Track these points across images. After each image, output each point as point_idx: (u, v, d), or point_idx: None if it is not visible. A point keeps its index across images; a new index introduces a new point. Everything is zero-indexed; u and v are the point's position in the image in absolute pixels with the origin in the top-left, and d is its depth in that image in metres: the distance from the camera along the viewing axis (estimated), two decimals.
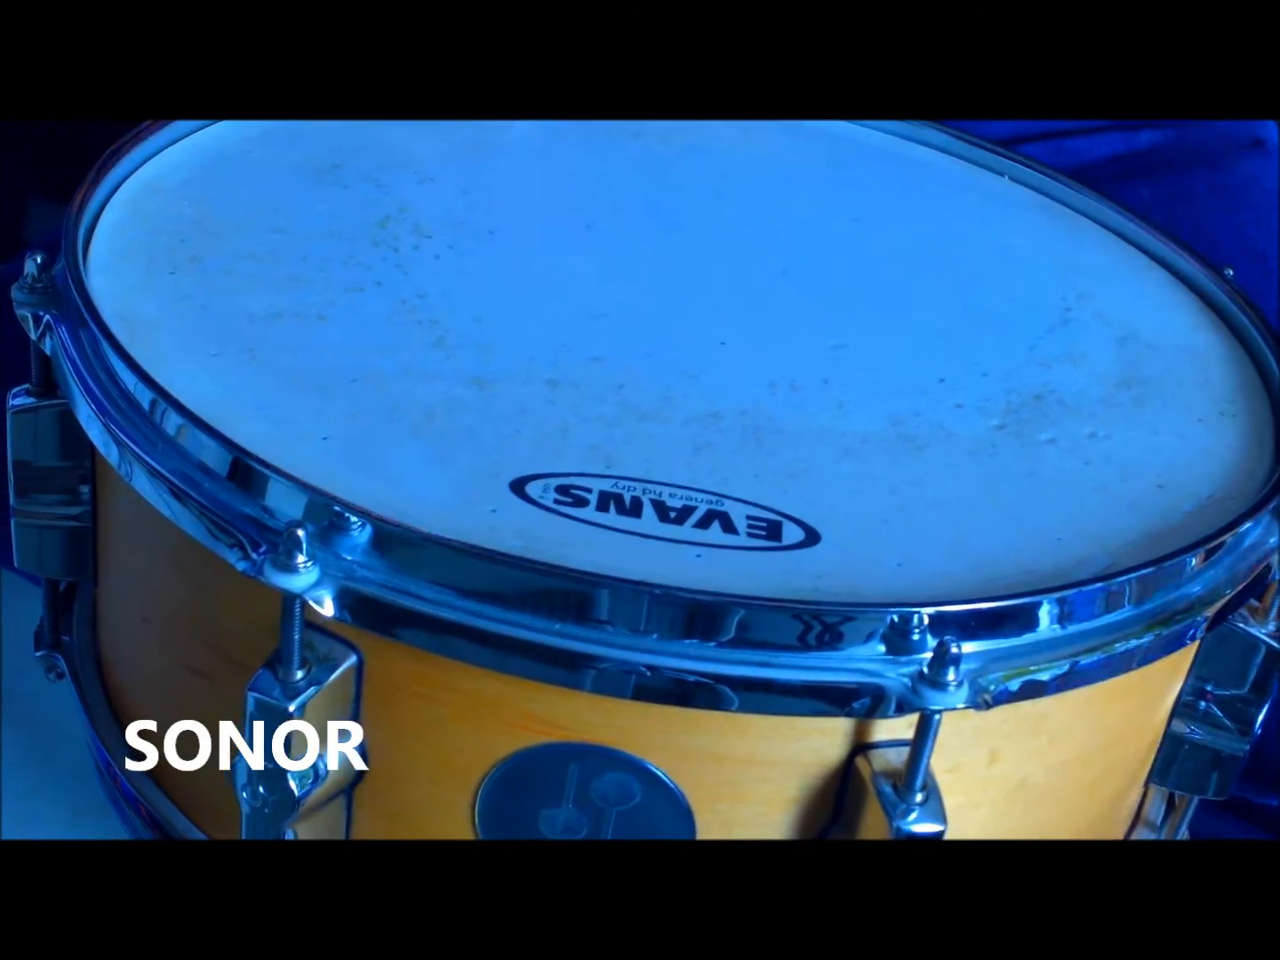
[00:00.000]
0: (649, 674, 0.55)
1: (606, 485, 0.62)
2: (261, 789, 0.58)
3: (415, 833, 0.61)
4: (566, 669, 0.55)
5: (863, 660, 0.56)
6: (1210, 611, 0.62)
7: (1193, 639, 0.62)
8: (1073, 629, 0.58)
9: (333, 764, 0.59)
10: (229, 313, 0.69)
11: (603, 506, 0.61)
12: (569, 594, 0.55)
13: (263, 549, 0.56)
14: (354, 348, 0.68)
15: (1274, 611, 0.66)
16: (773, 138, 0.91)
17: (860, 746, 0.57)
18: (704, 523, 0.61)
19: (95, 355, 0.64)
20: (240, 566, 0.57)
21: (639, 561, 0.58)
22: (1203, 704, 0.66)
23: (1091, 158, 1.02)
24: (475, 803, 0.59)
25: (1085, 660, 0.58)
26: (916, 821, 0.55)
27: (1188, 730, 0.67)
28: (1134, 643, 0.59)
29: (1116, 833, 0.71)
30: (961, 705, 0.54)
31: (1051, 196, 0.89)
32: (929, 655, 0.55)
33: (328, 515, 0.56)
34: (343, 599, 0.56)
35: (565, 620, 0.55)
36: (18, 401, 0.68)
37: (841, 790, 0.58)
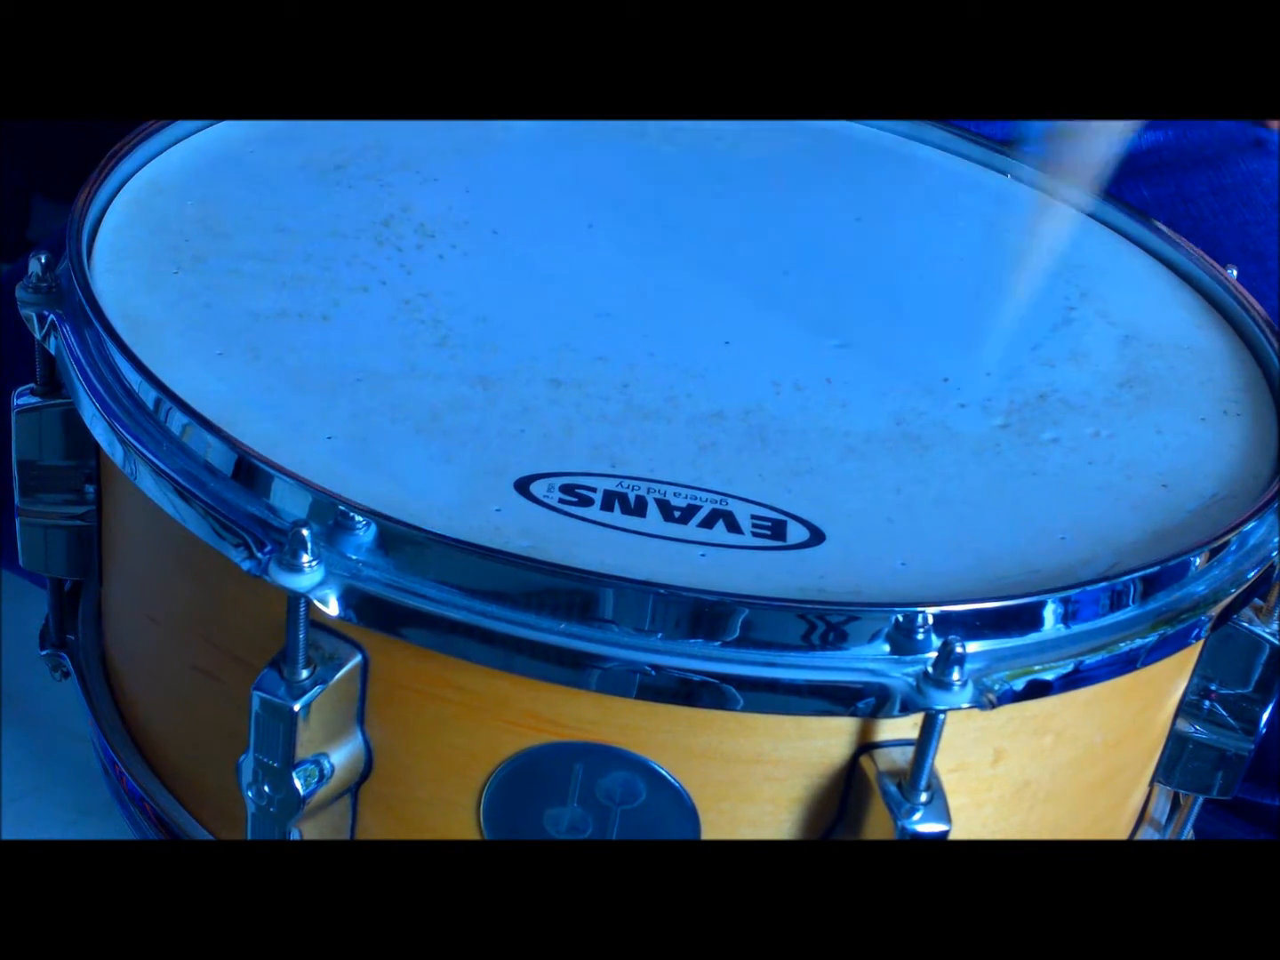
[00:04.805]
0: (654, 673, 0.55)
1: (611, 484, 0.62)
2: (267, 788, 0.58)
3: (420, 832, 0.61)
4: (571, 668, 0.55)
5: (867, 660, 0.56)
6: (1214, 611, 0.62)
7: (1197, 638, 0.62)
8: (1077, 628, 0.58)
9: (337, 763, 0.59)
10: (233, 312, 0.69)
11: (607, 506, 0.61)
12: (574, 593, 0.55)
13: (268, 548, 0.56)
14: (358, 347, 0.68)
15: (1278, 611, 0.66)
16: (775, 137, 0.91)
17: (865, 746, 0.57)
18: (708, 522, 0.61)
19: (99, 355, 0.64)
20: (245, 566, 0.57)
21: (644, 561, 0.58)
22: (1207, 703, 0.66)
23: None
24: (480, 802, 0.59)
25: (1089, 660, 0.58)
26: (921, 821, 0.55)
27: (1192, 730, 0.67)
28: (1138, 642, 0.59)
29: (1121, 832, 0.71)
30: (966, 705, 0.54)
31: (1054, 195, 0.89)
32: (933, 655, 0.55)
33: (333, 514, 0.56)
34: (348, 598, 0.56)
35: (570, 619, 0.55)
36: (22, 401, 0.68)
37: (846, 790, 0.58)
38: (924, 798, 0.56)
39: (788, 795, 0.58)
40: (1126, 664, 0.59)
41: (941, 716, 0.54)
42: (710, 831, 0.59)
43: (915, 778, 0.56)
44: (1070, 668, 0.58)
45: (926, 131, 0.93)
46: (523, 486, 0.61)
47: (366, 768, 0.60)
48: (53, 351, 0.67)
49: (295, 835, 0.59)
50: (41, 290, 0.67)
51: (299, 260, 0.73)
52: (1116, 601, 0.59)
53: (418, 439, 0.63)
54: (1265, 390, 0.75)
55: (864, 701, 0.55)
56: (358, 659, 0.58)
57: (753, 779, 0.58)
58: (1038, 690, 0.57)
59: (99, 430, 0.63)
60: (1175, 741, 0.67)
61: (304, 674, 0.57)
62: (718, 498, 0.62)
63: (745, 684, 0.55)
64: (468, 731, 0.58)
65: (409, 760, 0.60)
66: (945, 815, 0.56)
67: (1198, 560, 0.61)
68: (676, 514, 0.61)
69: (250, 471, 0.59)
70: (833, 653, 0.55)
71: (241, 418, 0.62)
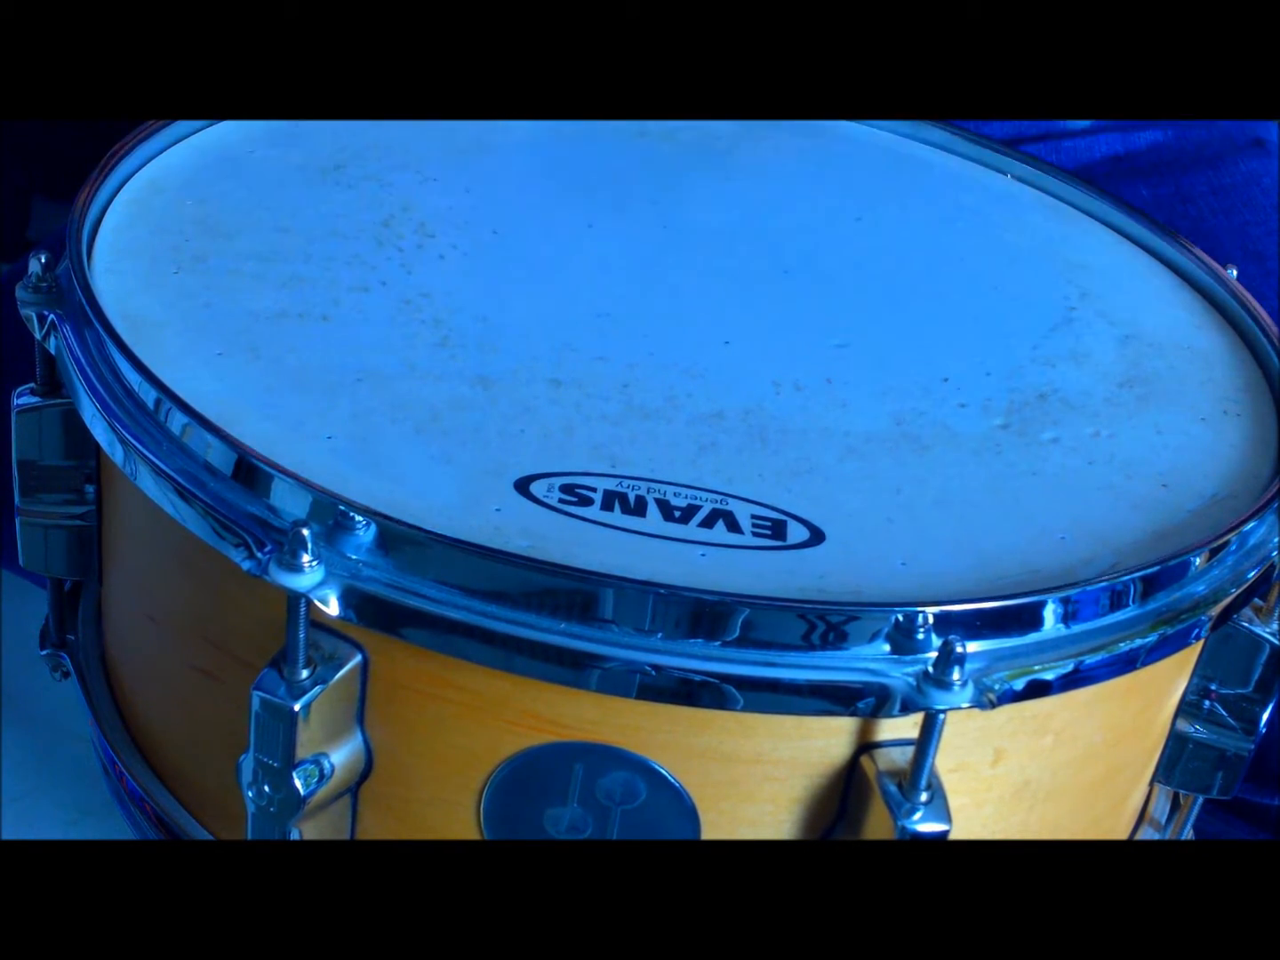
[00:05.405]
0: (654, 673, 0.55)
1: (611, 484, 0.62)
2: (267, 788, 0.58)
3: (420, 832, 0.61)
4: (571, 668, 0.55)
5: (868, 660, 0.56)
6: (1214, 611, 0.62)
7: (1197, 638, 0.62)
8: (1077, 628, 0.58)
9: (337, 763, 0.59)
10: (233, 312, 0.69)
11: (607, 506, 0.61)
12: (574, 593, 0.55)
13: (268, 548, 0.56)
14: (358, 347, 0.68)
15: (1278, 611, 0.66)
16: (775, 137, 0.91)
17: (865, 746, 0.57)
18: (708, 522, 0.61)
19: (99, 355, 0.64)
20: (245, 566, 0.57)
21: (644, 561, 0.58)
22: (1207, 703, 0.66)
23: (1091, 158, 1.02)
24: (480, 802, 0.59)
25: (1090, 660, 0.58)
26: (921, 821, 0.55)
27: (1192, 729, 0.67)
28: (1138, 642, 0.59)
29: (1121, 832, 0.71)
30: (966, 705, 0.54)
31: (1054, 195, 0.89)
32: (934, 655, 0.55)
33: (333, 514, 0.56)
34: (348, 598, 0.56)
35: (570, 619, 0.55)
36: (22, 401, 0.68)
37: (846, 790, 0.58)
38: (924, 797, 0.56)
39: (788, 795, 0.58)
40: (1126, 664, 0.59)
41: (942, 716, 0.54)
42: (710, 831, 0.59)
43: (915, 777, 0.56)
44: (1070, 668, 0.58)
45: (926, 131, 0.93)
46: (523, 486, 0.61)
47: (366, 768, 0.60)
48: (53, 351, 0.67)
49: (295, 835, 0.59)
50: (41, 290, 0.67)
51: (299, 260, 0.73)
52: (1116, 601, 0.59)
53: (418, 439, 0.63)
54: (1265, 390, 0.75)
55: (864, 701, 0.55)
56: (358, 659, 0.58)
57: (753, 779, 0.58)
58: (1038, 690, 0.57)
59: (99, 430, 0.63)
60: (1175, 741, 0.67)
61: (304, 674, 0.57)
62: (718, 497, 0.62)
63: (745, 684, 0.55)
64: (468, 731, 0.58)
65: (409, 760, 0.60)
66: (945, 815, 0.56)
67: (1198, 560, 0.61)
68: (676, 514, 0.61)
69: (250, 471, 0.59)
70: (833, 653, 0.55)
71: (241, 418, 0.62)
